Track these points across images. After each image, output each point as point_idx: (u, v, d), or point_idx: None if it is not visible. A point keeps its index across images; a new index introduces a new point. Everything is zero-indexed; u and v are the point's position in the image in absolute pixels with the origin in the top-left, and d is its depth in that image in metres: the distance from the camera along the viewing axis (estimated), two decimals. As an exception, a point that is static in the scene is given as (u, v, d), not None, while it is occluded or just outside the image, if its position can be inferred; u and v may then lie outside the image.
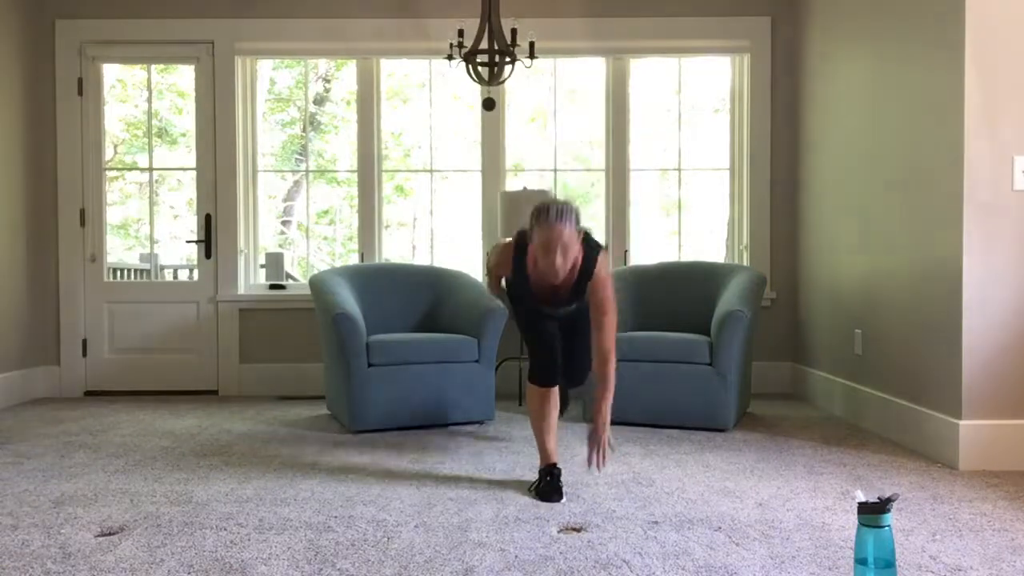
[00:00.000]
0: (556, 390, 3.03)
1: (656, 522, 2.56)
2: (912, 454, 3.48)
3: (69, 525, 2.54)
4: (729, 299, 4.09)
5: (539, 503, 2.76)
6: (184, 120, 7.02)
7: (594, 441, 2.79)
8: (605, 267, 2.85)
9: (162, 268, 7.16)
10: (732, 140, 5.36)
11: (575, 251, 2.74)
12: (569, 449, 3.59)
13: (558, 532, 2.48)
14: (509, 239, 3.01)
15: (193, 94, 5.30)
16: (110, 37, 5.19)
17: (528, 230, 2.80)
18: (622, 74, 5.30)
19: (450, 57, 4.55)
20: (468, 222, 6.01)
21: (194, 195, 5.31)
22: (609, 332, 2.81)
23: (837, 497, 2.83)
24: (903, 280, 3.69)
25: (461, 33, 4.53)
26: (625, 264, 5.22)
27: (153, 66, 5.62)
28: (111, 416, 4.46)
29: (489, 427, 4.09)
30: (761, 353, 5.10)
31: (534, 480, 2.97)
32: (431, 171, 5.71)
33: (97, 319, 5.24)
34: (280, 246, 8.87)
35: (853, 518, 2.55)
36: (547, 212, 2.68)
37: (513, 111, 5.52)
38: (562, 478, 2.94)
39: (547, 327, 3.05)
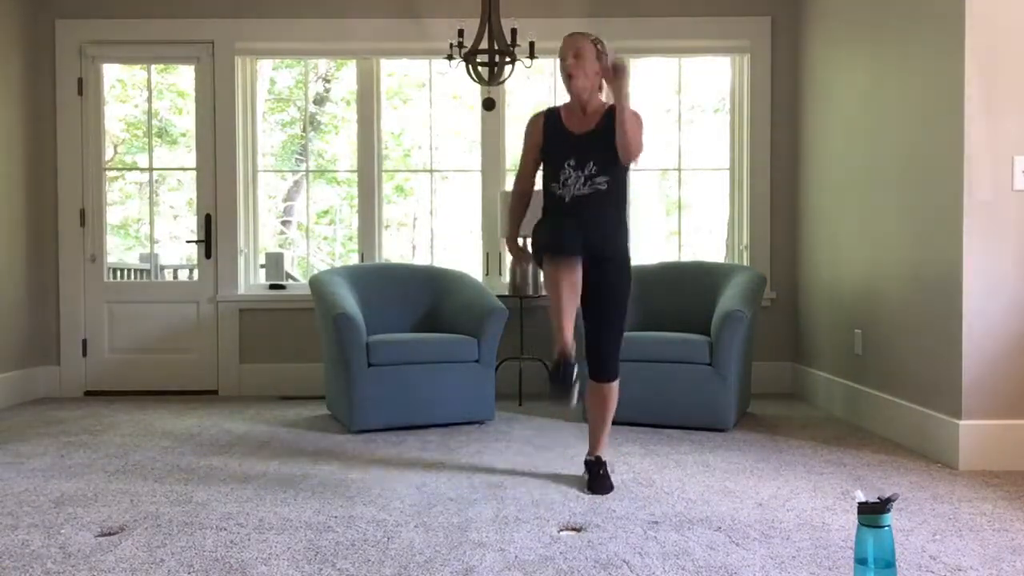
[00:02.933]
0: (578, 273, 2.83)
1: (656, 522, 2.56)
2: (912, 454, 3.48)
3: (69, 525, 2.54)
4: (729, 299, 4.09)
5: (539, 503, 2.76)
6: (184, 120, 7.02)
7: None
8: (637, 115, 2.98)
9: (162, 268, 7.17)
10: (732, 140, 5.36)
11: (590, 58, 2.97)
12: (570, 449, 3.59)
13: (558, 532, 2.48)
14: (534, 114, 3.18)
15: (193, 94, 5.30)
16: (110, 37, 5.19)
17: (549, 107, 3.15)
18: (622, 74, 5.29)
19: (450, 57, 4.55)
20: (468, 222, 6.01)
21: (194, 195, 5.31)
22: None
23: (837, 497, 2.83)
24: (903, 280, 3.69)
25: (461, 33, 4.53)
26: (625, 264, 5.21)
27: (153, 66, 5.63)
28: (111, 416, 4.46)
29: (489, 427, 4.09)
30: (761, 353, 5.10)
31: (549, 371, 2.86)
32: (431, 171, 5.71)
33: (97, 319, 5.24)
34: (280, 246, 8.87)
35: (853, 518, 2.55)
36: (570, 34, 3.04)
37: (513, 111, 5.52)
38: (575, 376, 2.82)
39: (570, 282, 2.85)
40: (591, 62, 2.97)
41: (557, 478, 3.09)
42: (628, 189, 3.12)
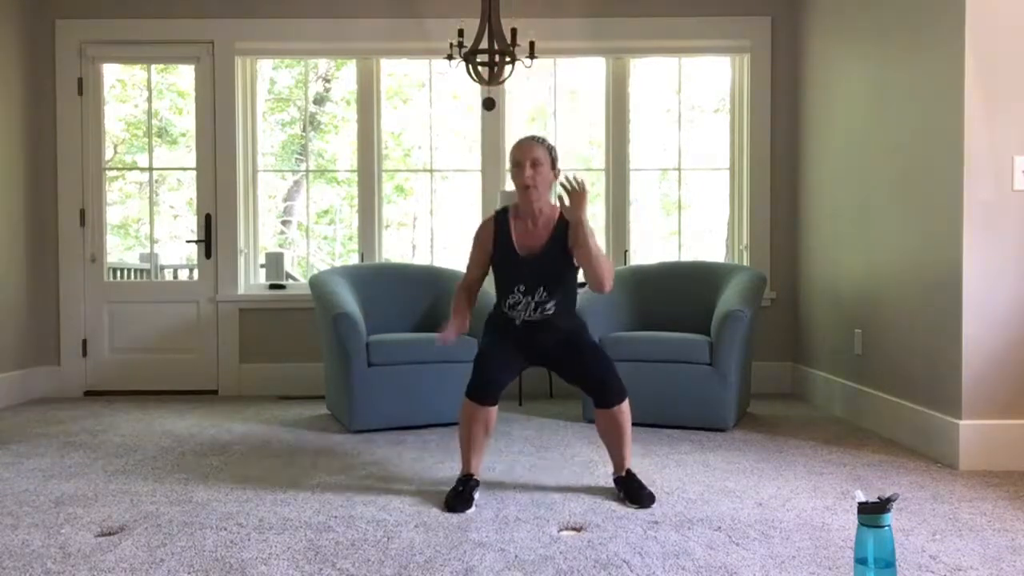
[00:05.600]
0: (493, 415, 2.88)
1: (656, 522, 2.56)
2: (912, 454, 3.48)
3: (69, 525, 2.54)
4: (729, 299, 4.09)
5: (539, 503, 2.76)
6: (184, 120, 7.02)
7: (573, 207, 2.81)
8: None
9: (162, 268, 7.16)
10: (732, 140, 5.36)
11: (546, 167, 2.93)
12: (570, 448, 3.59)
13: (558, 532, 2.48)
14: (484, 220, 3.12)
15: (193, 94, 5.30)
16: (110, 37, 5.19)
17: (499, 209, 3.09)
18: (622, 74, 5.30)
19: (450, 57, 4.55)
20: (468, 222, 6.00)
21: (194, 195, 5.31)
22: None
23: (837, 497, 2.83)
24: (903, 280, 3.69)
25: (461, 33, 4.53)
26: (625, 264, 5.22)
27: (153, 66, 5.62)
28: (111, 416, 4.46)
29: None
30: (761, 353, 5.10)
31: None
32: (431, 171, 5.71)
33: (97, 319, 5.24)
34: (280, 246, 8.87)
35: (853, 518, 2.55)
36: (521, 139, 2.98)
37: (513, 111, 5.52)
38: (475, 495, 2.81)
39: (508, 354, 2.95)
40: (547, 171, 2.94)
41: (557, 478, 3.09)
42: (575, 293, 3.07)
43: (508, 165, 3.06)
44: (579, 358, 2.94)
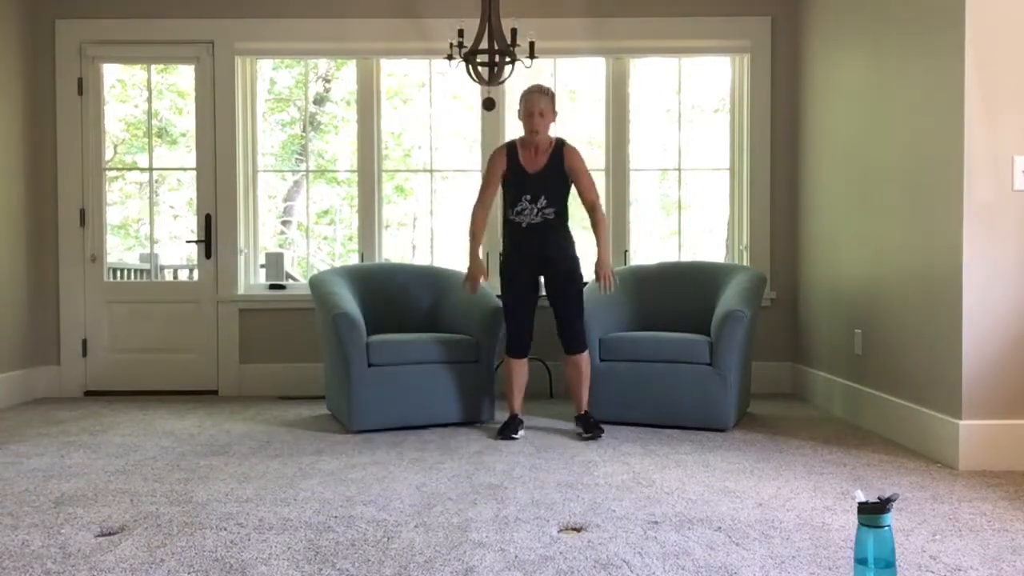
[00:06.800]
0: (526, 366, 4.02)
1: (656, 522, 2.56)
2: (912, 454, 3.48)
3: (69, 525, 2.54)
4: (729, 299, 4.09)
5: (539, 503, 2.76)
6: (184, 120, 7.02)
7: (601, 276, 3.90)
8: (573, 149, 3.95)
9: (162, 268, 7.16)
10: (732, 140, 5.36)
11: (549, 115, 3.89)
12: (569, 448, 3.59)
13: (558, 532, 2.48)
14: (497, 147, 4.08)
15: (193, 94, 5.30)
16: (110, 37, 5.19)
17: (508, 141, 4.02)
18: (622, 74, 5.30)
19: (450, 57, 4.55)
20: (468, 222, 5.99)
21: (194, 195, 5.31)
22: (586, 183, 3.92)
23: (837, 497, 2.83)
24: (903, 280, 3.69)
25: (461, 33, 4.53)
26: (625, 264, 5.22)
27: (153, 66, 5.63)
28: (111, 416, 4.46)
29: (489, 427, 4.09)
30: (761, 353, 5.10)
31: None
32: (431, 171, 5.71)
33: (97, 319, 5.24)
34: (280, 246, 8.87)
35: (853, 518, 2.55)
36: (529, 89, 3.93)
37: (513, 111, 5.50)
38: (520, 431, 3.87)
39: (523, 305, 3.95)
40: (549, 118, 3.90)
41: (557, 478, 3.09)
42: (568, 209, 3.98)
43: (519, 110, 3.93)
44: (567, 301, 3.90)
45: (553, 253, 3.90)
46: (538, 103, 3.84)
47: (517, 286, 3.93)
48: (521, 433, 3.85)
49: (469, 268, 4.00)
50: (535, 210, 3.87)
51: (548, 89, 3.92)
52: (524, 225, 3.89)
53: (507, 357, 3.97)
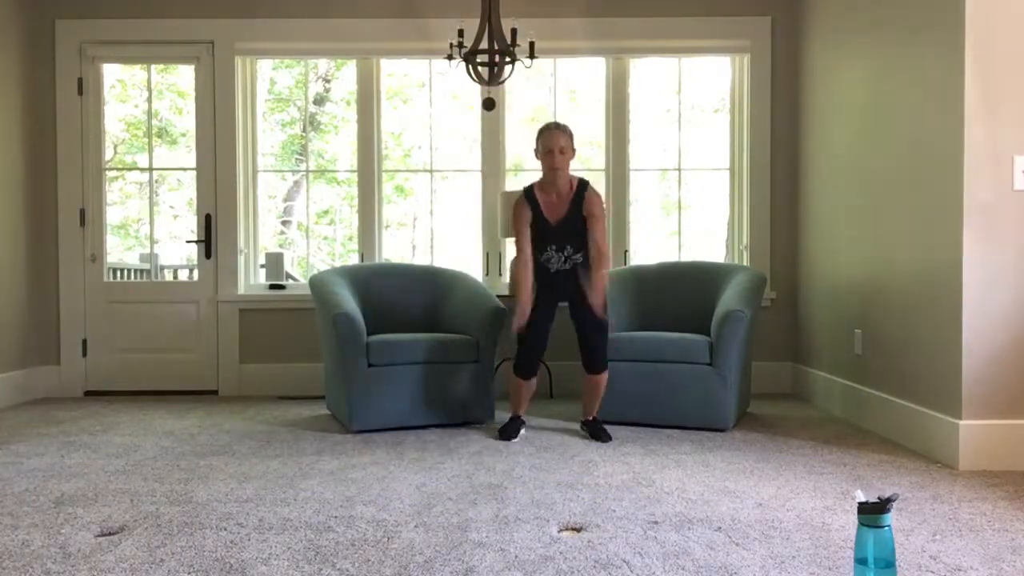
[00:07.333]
0: (534, 383, 3.95)
1: (656, 522, 2.56)
2: (912, 454, 3.48)
3: (69, 525, 2.54)
4: (729, 299, 4.09)
5: (539, 503, 2.76)
6: (184, 120, 7.02)
7: (593, 298, 3.72)
8: (595, 194, 3.85)
9: (162, 268, 7.16)
10: (732, 140, 5.36)
11: (569, 152, 3.79)
12: (570, 448, 3.59)
13: (558, 532, 2.48)
14: (517, 198, 3.92)
15: (193, 94, 5.30)
16: (110, 37, 5.19)
17: (525, 188, 3.90)
18: (622, 74, 5.30)
19: (450, 57, 4.55)
20: (468, 222, 6.01)
21: (194, 195, 5.31)
22: (600, 231, 3.77)
23: (837, 497, 2.83)
24: (903, 280, 3.69)
25: (461, 33, 4.53)
26: (625, 264, 5.22)
27: (153, 66, 5.62)
28: (111, 416, 4.46)
29: (489, 427, 4.09)
30: (761, 353, 5.10)
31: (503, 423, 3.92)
32: (431, 171, 5.71)
33: (97, 319, 5.24)
34: (280, 246, 8.87)
35: (853, 518, 2.55)
36: (547, 126, 3.85)
37: (513, 111, 5.52)
38: (522, 431, 3.87)
39: (542, 328, 3.86)
40: (569, 156, 3.80)
41: (557, 478, 3.09)
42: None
43: (536, 148, 3.83)
44: (590, 324, 3.79)
45: (579, 290, 3.83)
46: (558, 140, 3.74)
47: (540, 311, 3.84)
48: (522, 433, 3.86)
49: (518, 309, 3.79)
50: (562, 258, 3.83)
51: (566, 126, 3.83)
52: (552, 271, 3.86)
53: (515, 376, 3.90)
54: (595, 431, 3.81)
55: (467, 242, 6.47)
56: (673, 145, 5.42)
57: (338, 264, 8.10)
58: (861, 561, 1.96)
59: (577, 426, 4.07)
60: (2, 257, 4.80)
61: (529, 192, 3.86)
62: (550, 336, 3.92)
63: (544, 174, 3.81)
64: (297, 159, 8.62)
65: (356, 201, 5.46)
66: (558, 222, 3.80)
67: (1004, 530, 2.48)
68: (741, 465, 3.30)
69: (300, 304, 5.19)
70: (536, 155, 3.83)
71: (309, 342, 5.20)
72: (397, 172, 7.31)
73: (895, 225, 3.77)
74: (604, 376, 3.88)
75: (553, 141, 3.74)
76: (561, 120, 4.04)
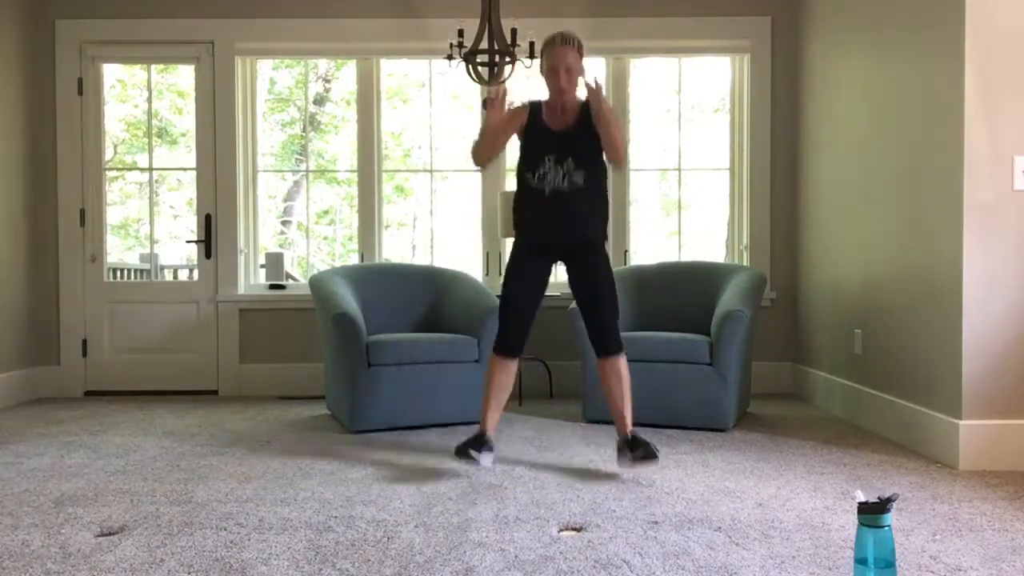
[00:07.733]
0: (513, 371, 3.25)
1: (656, 522, 2.56)
2: (912, 454, 3.48)
3: (69, 525, 2.54)
4: (729, 299, 4.09)
5: (539, 503, 2.76)
6: (184, 120, 7.02)
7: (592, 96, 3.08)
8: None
9: (162, 268, 7.16)
10: (732, 140, 5.36)
11: (577, 71, 3.15)
12: (570, 448, 3.59)
13: (558, 532, 2.48)
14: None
15: (193, 94, 5.30)
16: (110, 37, 5.19)
17: (532, 101, 3.29)
18: (622, 74, 5.30)
19: (450, 57, 4.55)
20: (468, 222, 6.01)
21: (194, 195, 5.31)
22: (616, 128, 3.13)
23: (837, 497, 2.83)
24: (903, 280, 3.69)
25: (461, 33, 4.53)
26: (625, 264, 5.22)
27: (153, 66, 5.63)
28: (111, 416, 4.46)
29: (489, 427, 4.09)
30: (761, 353, 5.10)
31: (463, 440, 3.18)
32: (431, 171, 5.71)
33: (97, 319, 5.24)
34: (280, 246, 8.88)
35: (853, 518, 2.55)
36: (552, 39, 3.17)
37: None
38: (495, 450, 3.18)
39: (529, 292, 3.21)
40: (577, 71, 3.16)
41: (557, 478, 3.09)
42: (607, 181, 3.29)
43: (540, 64, 3.24)
44: (595, 290, 3.19)
45: (578, 227, 3.18)
46: (564, 57, 3.11)
47: (526, 269, 3.22)
48: (487, 460, 3.09)
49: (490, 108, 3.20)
50: (561, 173, 3.14)
51: (574, 37, 3.17)
52: (547, 192, 3.15)
53: (493, 355, 3.24)
54: (643, 450, 3.04)
55: (467, 242, 6.47)
56: (673, 145, 5.42)
57: (338, 264, 8.10)
58: (861, 561, 1.96)
59: (582, 428, 4.05)
60: (2, 257, 4.80)
61: (535, 103, 3.29)
62: (539, 311, 3.27)
63: (550, 95, 3.21)
64: (297, 159, 8.62)
65: (356, 201, 5.46)
66: (562, 130, 3.19)
67: (1004, 530, 2.48)
68: (741, 465, 3.30)
69: (300, 304, 5.19)
70: (541, 72, 3.24)
71: (309, 342, 5.21)
72: (397, 172, 7.31)
73: (895, 225, 3.77)
74: (623, 361, 3.20)
75: (559, 59, 3.11)
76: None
